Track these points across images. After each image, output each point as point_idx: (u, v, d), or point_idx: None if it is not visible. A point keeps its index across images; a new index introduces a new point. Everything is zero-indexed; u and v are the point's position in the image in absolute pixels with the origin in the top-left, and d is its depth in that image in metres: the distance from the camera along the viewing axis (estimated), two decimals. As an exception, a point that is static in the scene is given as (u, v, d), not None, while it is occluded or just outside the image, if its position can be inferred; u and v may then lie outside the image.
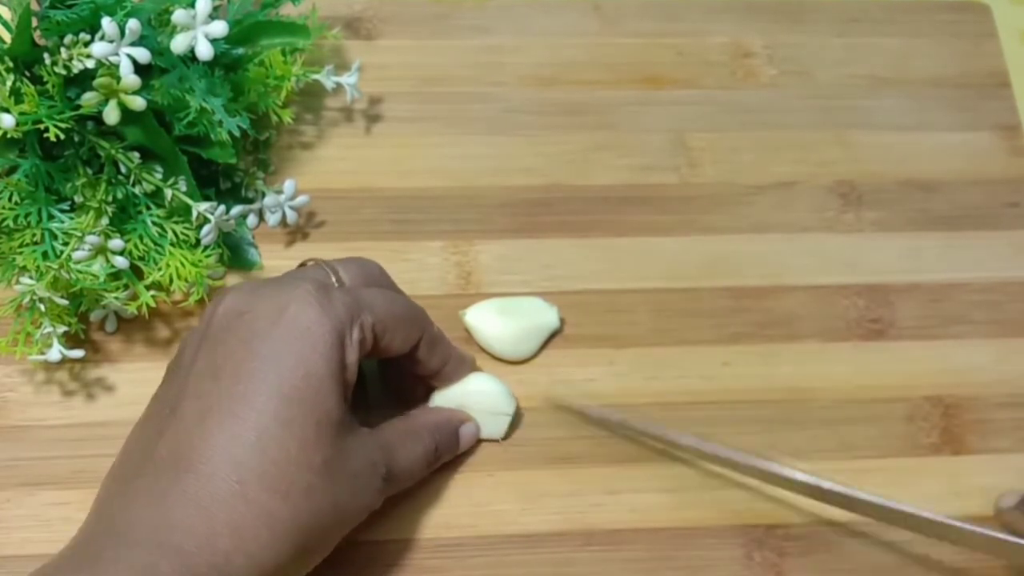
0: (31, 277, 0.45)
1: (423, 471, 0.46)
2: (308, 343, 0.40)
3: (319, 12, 0.55)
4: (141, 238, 0.49)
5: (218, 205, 0.48)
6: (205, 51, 0.46)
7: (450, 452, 0.48)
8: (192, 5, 0.46)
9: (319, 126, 0.57)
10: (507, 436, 0.49)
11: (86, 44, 0.45)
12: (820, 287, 0.54)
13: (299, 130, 0.56)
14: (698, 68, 0.60)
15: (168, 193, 0.48)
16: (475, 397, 0.48)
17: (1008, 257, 0.56)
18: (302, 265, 0.47)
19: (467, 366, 0.49)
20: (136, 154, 0.48)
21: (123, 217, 0.49)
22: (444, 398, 0.48)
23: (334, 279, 0.44)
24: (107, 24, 0.44)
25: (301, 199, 0.52)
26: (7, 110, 0.45)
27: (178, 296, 0.50)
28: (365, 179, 0.55)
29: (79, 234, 0.47)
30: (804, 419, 0.51)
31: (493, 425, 0.49)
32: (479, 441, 0.49)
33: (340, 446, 0.40)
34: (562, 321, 0.52)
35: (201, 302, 0.49)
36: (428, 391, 0.49)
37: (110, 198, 0.48)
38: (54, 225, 0.48)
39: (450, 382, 0.48)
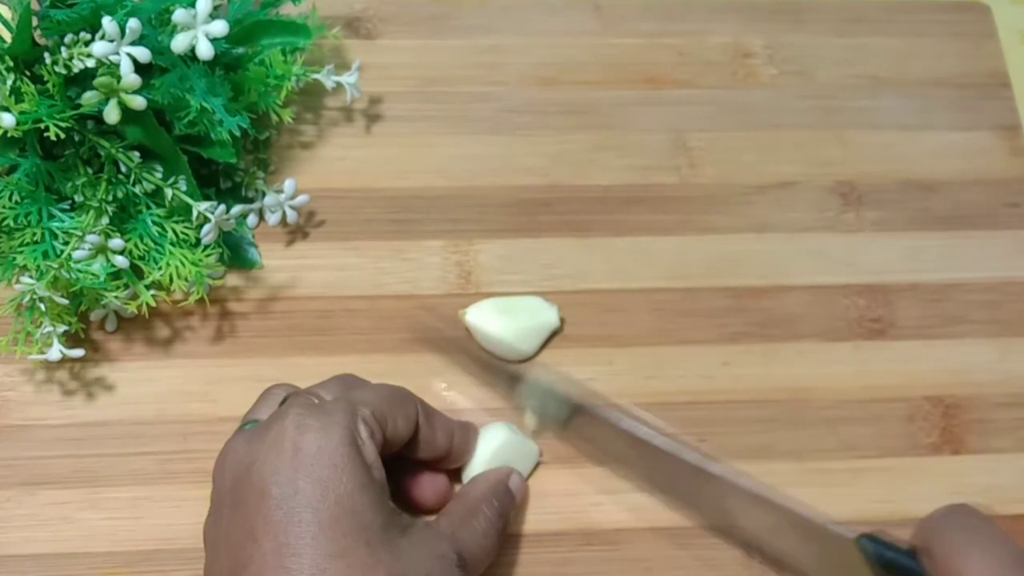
0: (31, 276, 0.45)
1: (497, 543, 0.44)
2: (325, 465, 0.39)
3: (319, 12, 0.55)
4: (141, 237, 0.49)
5: (218, 204, 0.48)
6: (205, 50, 0.46)
7: (512, 510, 0.46)
8: (192, 4, 0.46)
9: (319, 125, 0.57)
10: (541, 454, 0.49)
11: (86, 43, 0.45)
12: (820, 287, 0.54)
13: (299, 129, 0.56)
14: (698, 68, 0.60)
15: (168, 192, 0.48)
16: (502, 453, 0.48)
17: (1008, 257, 0.56)
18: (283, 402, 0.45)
19: (472, 429, 0.48)
20: (136, 153, 0.48)
21: (123, 216, 0.49)
22: (477, 471, 0.47)
23: (315, 400, 0.43)
24: (107, 23, 0.44)
25: (301, 198, 0.52)
26: (7, 109, 0.45)
27: (178, 295, 0.50)
28: (365, 179, 0.55)
29: (79, 233, 0.47)
30: (804, 419, 0.51)
31: (528, 460, 0.49)
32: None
33: (399, 551, 0.39)
34: (562, 321, 0.52)
35: (201, 301, 0.49)
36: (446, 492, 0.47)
37: (110, 197, 0.48)
38: (54, 224, 0.48)
39: (467, 454, 0.47)
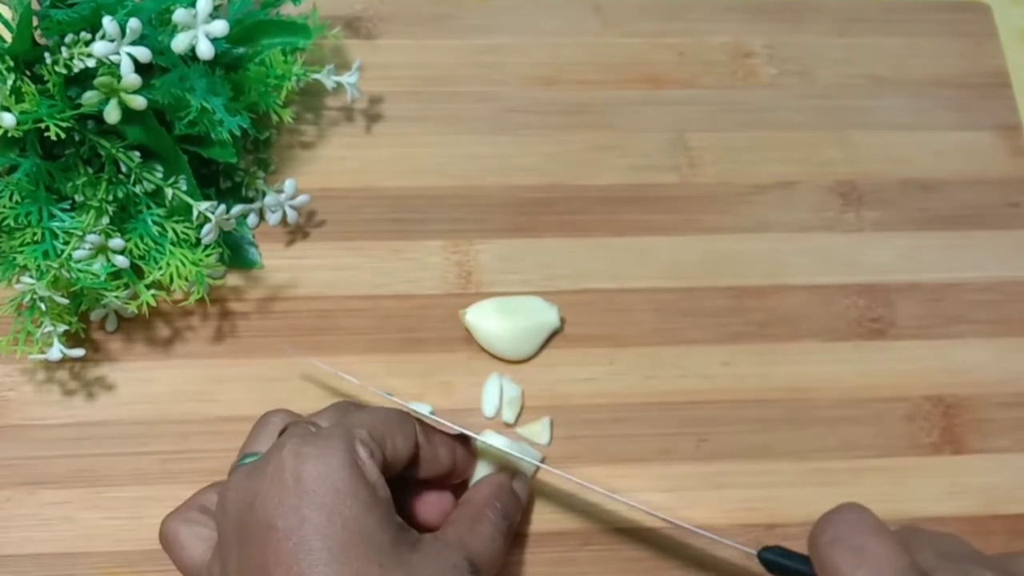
0: (32, 276, 0.45)
1: (505, 546, 0.44)
2: (328, 491, 0.38)
3: (320, 11, 0.55)
4: (142, 237, 0.49)
5: (218, 204, 0.48)
6: (206, 50, 0.46)
7: (518, 513, 0.46)
8: (193, 4, 0.46)
9: (319, 125, 0.57)
10: (543, 459, 0.49)
11: (87, 43, 0.45)
12: (820, 287, 0.54)
13: (300, 129, 0.56)
14: (698, 68, 0.60)
15: (169, 192, 0.48)
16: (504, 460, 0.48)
17: (1008, 257, 0.56)
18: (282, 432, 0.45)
19: (471, 444, 0.47)
20: (137, 153, 0.48)
21: (124, 216, 0.49)
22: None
23: (312, 429, 0.42)
24: (108, 23, 0.44)
25: (302, 198, 0.52)
26: (8, 109, 0.45)
27: (178, 295, 0.50)
28: (365, 178, 0.55)
29: (80, 233, 0.47)
30: (804, 419, 0.51)
31: (530, 463, 0.49)
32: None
33: (411, 567, 0.39)
34: (562, 321, 0.52)
35: (201, 301, 0.49)
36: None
37: (111, 197, 0.48)
38: (55, 224, 0.48)
39: (470, 467, 0.47)
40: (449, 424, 0.46)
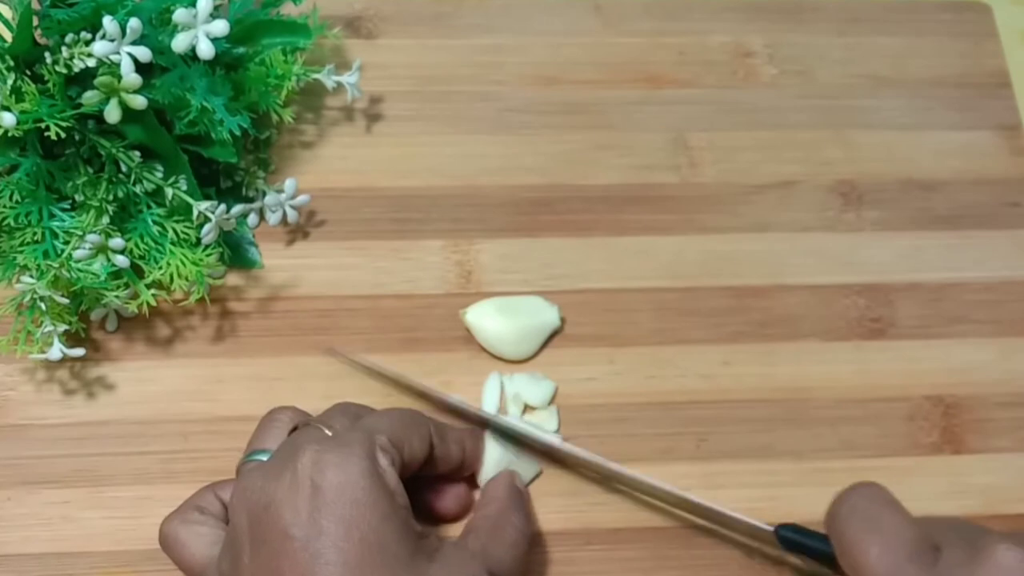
0: (32, 276, 0.45)
1: (525, 550, 0.44)
2: (347, 502, 0.38)
3: (320, 11, 0.55)
4: (142, 237, 0.49)
5: (219, 204, 0.48)
6: (206, 50, 0.46)
7: (529, 510, 0.47)
8: (193, 4, 0.46)
9: (320, 125, 0.57)
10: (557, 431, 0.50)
11: (87, 43, 0.45)
12: (820, 286, 0.54)
13: (300, 129, 0.56)
14: (698, 68, 0.60)
15: (169, 192, 0.48)
16: (511, 452, 0.48)
17: (1009, 257, 0.56)
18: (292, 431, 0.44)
19: (479, 435, 0.48)
20: (137, 153, 0.48)
21: (124, 216, 0.49)
22: (490, 473, 0.47)
23: (327, 432, 0.41)
24: (108, 23, 0.44)
25: (302, 198, 0.52)
26: (8, 108, 0.45)
27: (179, 295, 0.50)
28: (366, 178, 0.55)
29: (80, 233, 0.47)
30: (804, 418, 0.51)
31: (535, 456, 0.49)
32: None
33: None
34: (562, 320, 0.52)
35: (202, 301, 0.49)
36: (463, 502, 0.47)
37: (111, 197, 0.48)
38: (55, 224, 0.48)
39: (479, 460, 0.47)
40: (477, 411, 0.47)
